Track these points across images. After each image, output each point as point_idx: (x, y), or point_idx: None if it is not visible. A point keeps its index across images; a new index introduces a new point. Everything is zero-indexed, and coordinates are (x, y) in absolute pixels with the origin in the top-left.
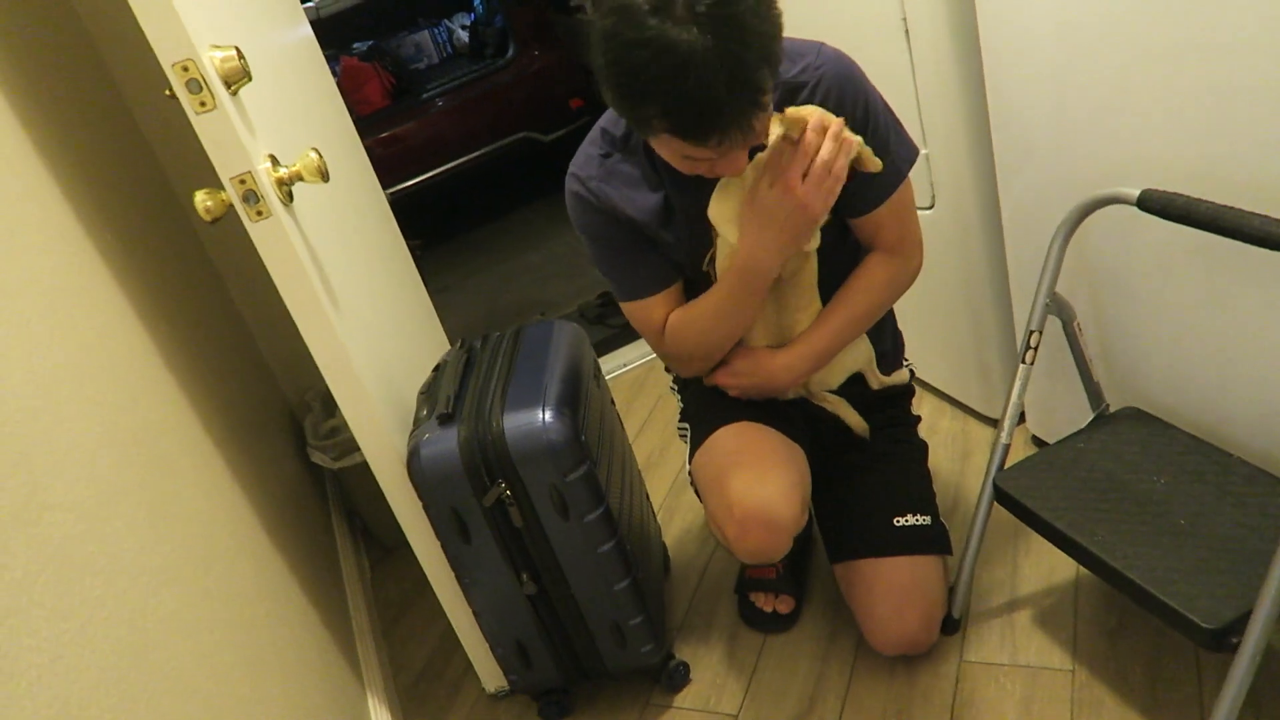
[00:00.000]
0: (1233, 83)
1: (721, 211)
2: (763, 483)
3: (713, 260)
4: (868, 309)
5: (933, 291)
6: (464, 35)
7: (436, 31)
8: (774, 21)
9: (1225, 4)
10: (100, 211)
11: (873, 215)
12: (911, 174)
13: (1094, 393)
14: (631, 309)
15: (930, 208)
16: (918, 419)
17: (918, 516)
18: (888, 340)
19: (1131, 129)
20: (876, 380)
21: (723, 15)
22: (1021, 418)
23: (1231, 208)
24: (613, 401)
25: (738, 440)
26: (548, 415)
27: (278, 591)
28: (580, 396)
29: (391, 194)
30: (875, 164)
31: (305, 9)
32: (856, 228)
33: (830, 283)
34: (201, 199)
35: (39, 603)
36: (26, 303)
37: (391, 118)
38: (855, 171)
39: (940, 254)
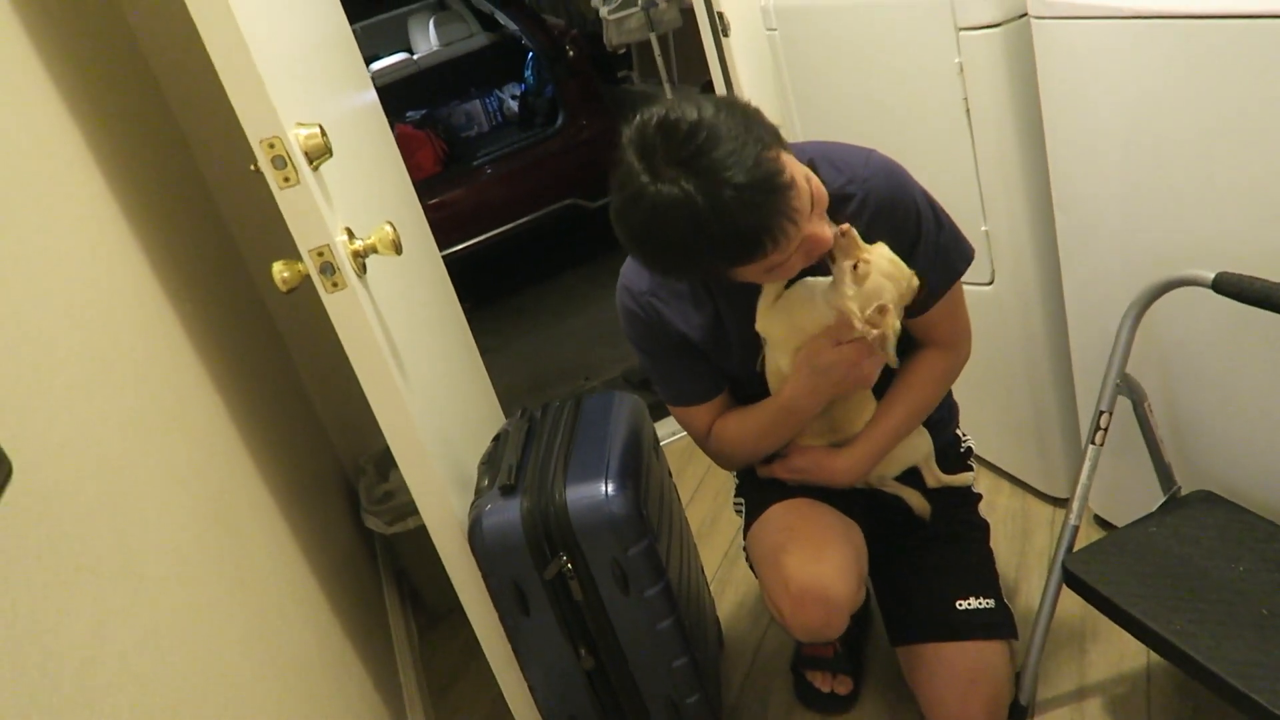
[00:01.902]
0: None
1: (768, 326)
2: (819, 559)
3: (764, 362)
4: (926, 402)
5: (991, 367)
6: (514, 105)
7: (488, 101)
8: (748, 114)
9: None
10: (184, 283)
11: (927, 316)
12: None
13: (1165, 475)
14: (678, 412)
15: (990, 284)
16: (979, 497)
17: (981, 599)
18: (942, 409)
19: (1198, 213)
20: (934, 478)
21: (696, 150)
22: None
23: None
24: (669, 473)
25: (793, 516)
26: (610, 488)
27: (338, 662)
28: (641, 469)
29: (449, 255)
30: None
31: None
32: (911, 326)
33: (882, 376)
34: (279, 269)
35: (138, 677)
36: (121, 373)
37: (443, 184)
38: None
39: (1000, 330)
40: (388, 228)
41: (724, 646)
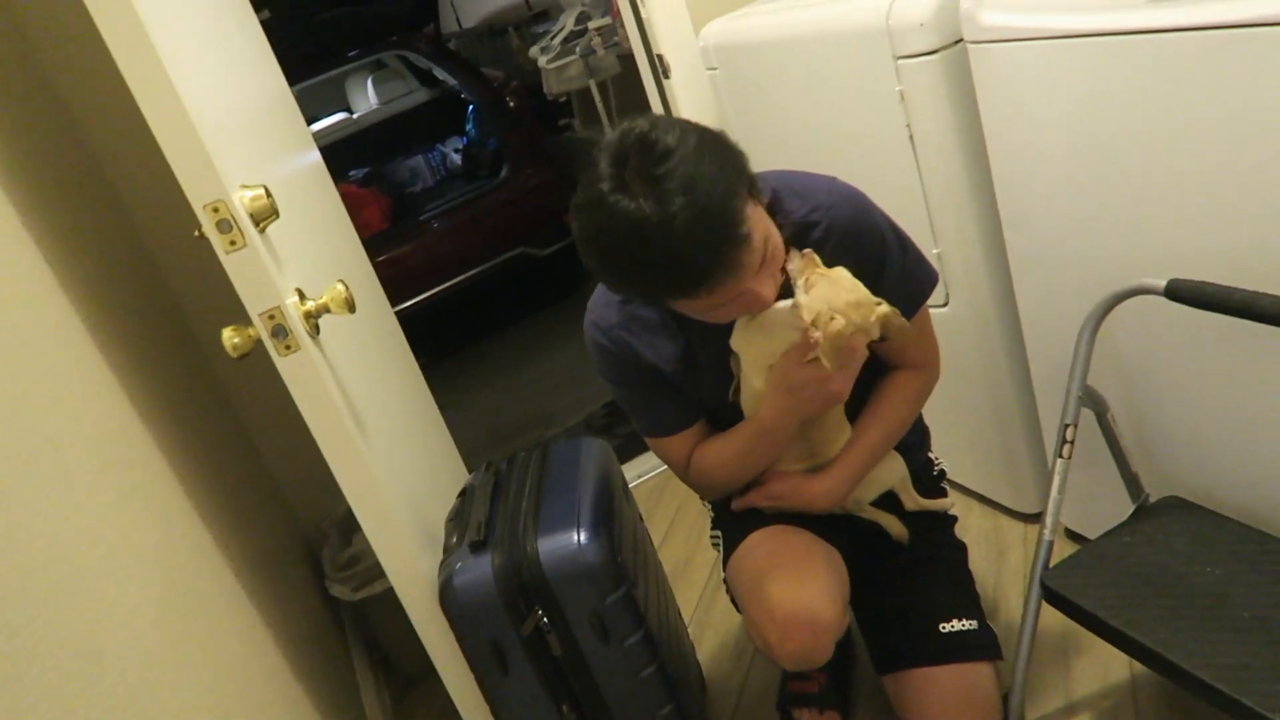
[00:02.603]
0: (1240, 170)
1: (743, 346)
2: (803, 584)
3: (738, 390)
4: (900, 424)
5: (953, 388)
6: (457, 158)
7: (430, 155)
8: (729, 158)
9: (1223, 90)
10: (130, 355)
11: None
12: None
13: (1133, 483)
14: (655, 444)
15: (945, 305)
16: (955, 519)
17: (964, 621)
18: (914, 433)
19: (1143, 223)
20: (912, 501)
21: (665, 174)
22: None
23: (1261, 293)
24: (640, 516)
25: (773, 543)
26: (583, 536)
27: None
28: (613, 515)
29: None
30: (905, 331)
31: None
32: (883, 351)
33: (855, 400)
34: (229, 336)
35: None
36: (73, 455)
37: (391, 240)
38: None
39: (959, 350)
40: (340, 286)
41: (707, 690)
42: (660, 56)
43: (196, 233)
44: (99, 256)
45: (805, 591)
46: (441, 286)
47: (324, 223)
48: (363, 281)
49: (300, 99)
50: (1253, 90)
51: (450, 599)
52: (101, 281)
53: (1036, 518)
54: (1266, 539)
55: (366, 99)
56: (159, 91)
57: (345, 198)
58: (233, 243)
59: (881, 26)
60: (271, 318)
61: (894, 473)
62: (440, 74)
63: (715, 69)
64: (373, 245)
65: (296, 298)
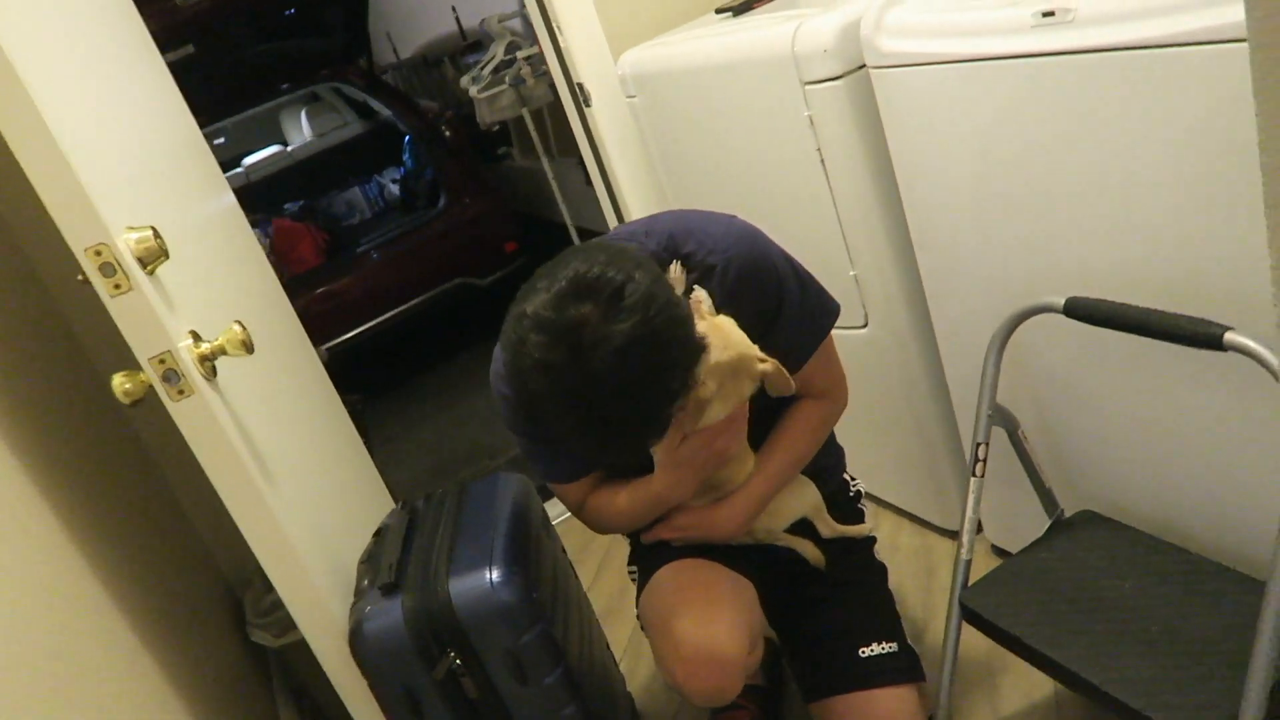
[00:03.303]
0: (1130, 188)
1: None
2: (709, 620)
3: None
4: (803, 451)
5: (879, 407)
6: (395, 189)
7: (367, 188)
8: (669, 350)
9: (1106, 110)
10: (16, 404)
11: (800, 372)
12: (842, 293)
13: (1048, 499)
14: (553, 486)
15: (864, 327)
16: (873, 540)
17: (884, 644)
18: (828, 456)
19: (1047, 241)
20: (829, 528)
21: (599, 375)
22: (980, 528)
23: (1154, 310)
24: (564, 550)
25: (681, 579)
26: (496, 575)
27: None
28: (530, 551)
29: (330, 348)
30: (786, 387)
31: (234, 175)
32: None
33: (759, 428)
34: (120, 382)
35: None
36: None
37: (327, 274)
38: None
39: (879, 371)
40: (236, 327)
41: None
42: (580, 85)
43: (80, 277)
44: None
45: (712, 628)
46: (381, 319)
47: (232, 263)
48: (279, 321)
49: (233, 133)
50: (1134, 110)
51: (360, 644)
52: None
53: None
54: (1174, 550)
55: (301, 132)
56: (34, 136)
57: (280, 232)
58: (117, 286)
59: (788, 53)
60: (162, 362)
61: (807, 500)
62: (375, 105)
63: (634, 97)
64: (309, 280)
65: (190, 340)
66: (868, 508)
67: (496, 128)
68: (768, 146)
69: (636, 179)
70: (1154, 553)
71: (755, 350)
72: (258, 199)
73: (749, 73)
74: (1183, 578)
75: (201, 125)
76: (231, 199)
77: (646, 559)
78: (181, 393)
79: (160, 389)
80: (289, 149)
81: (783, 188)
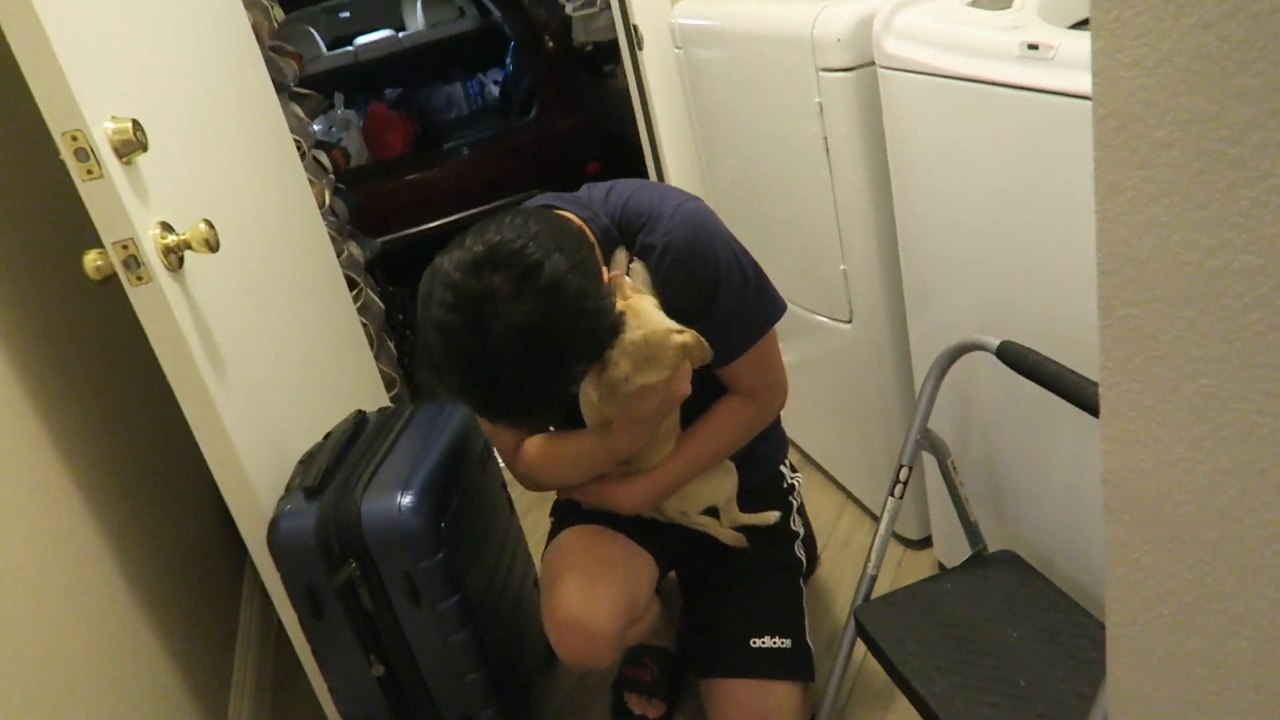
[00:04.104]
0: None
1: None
2: (589, 592)
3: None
4: (720, 447)
5: (858, 406)
6: (495, 91)
7: (469, 85)
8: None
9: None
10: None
11: (731, 367)
12: (829, 287)
13: (972, 531)
14: (484, 427)
15: (848, 323)
16: (796, 535)
17: (777, 639)
18: (767, 445)
19: (1015, 274)
20: (729, 519)
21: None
22: (930, 541)
23: (1067, 369)
24: (504, 484)
25: (578, 543)
26: (406, 500)
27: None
28: (451, 483)
29: (392, 240)
30: (704, 356)
31: (343, 53)
32: (718, 374)
33: (689, 415)
34: (92, 259)
35: None
36: None
37: (408, 165)
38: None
39: (857, 369)
40: (203, 225)
41: (557, 663)
42: (635, 27)
43: (62, 157)
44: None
45: (589, 600)
46: (451, 218)
47: (244, 165)
48: (292, 216)
49: (358, 8)
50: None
51: (274, 539)
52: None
53: (920, 543)
54: (1075, 610)
55: (416, 19)
56: (24, 23)
57: (373, 117)
58: (89, 171)
59: (807, 36)
60: (125, 248)
61: (720, 490)
62: (489, 3)
63: (680, 49)
64: (391, 168)
65: (158, 230)
66: (797, 502)
67: (590, 47)
68: (781, 125)
69: (677, 132)
70: (1054, 608)
71: (669, 324)
72: (362, 80)
73: (771, 48)
74: (1070, 638)
75: None
76: (269, 91)
77: (560, 514)
78: (140, 279)
79: (120, 273)
80: (400, 35)
81: (789, 170)
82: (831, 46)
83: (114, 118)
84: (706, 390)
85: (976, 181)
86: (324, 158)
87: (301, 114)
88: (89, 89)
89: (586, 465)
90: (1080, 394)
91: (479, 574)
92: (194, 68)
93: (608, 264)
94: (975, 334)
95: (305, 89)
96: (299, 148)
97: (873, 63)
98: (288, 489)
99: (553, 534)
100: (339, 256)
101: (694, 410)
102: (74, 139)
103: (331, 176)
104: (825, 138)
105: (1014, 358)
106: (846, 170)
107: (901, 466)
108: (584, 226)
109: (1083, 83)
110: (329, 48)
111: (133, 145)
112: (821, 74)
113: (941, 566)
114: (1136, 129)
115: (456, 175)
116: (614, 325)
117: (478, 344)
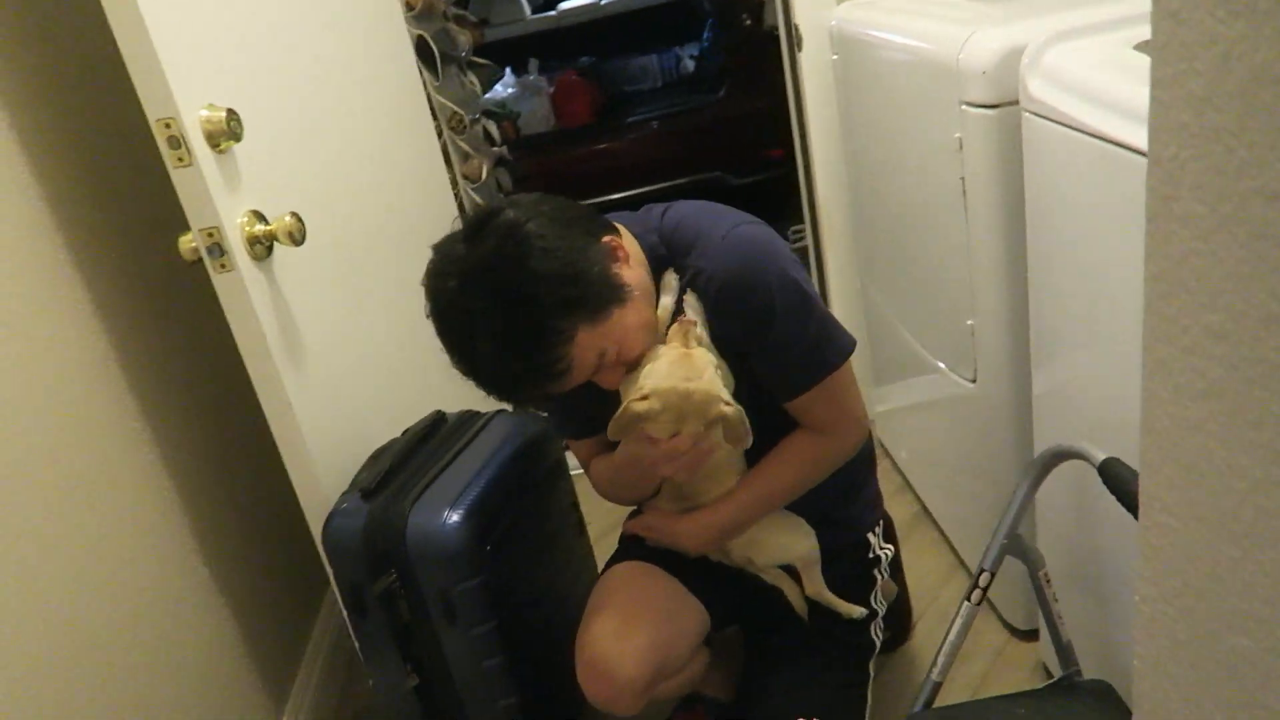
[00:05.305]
0: None
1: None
2: (620, 634)
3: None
4: (786, 485)
5: (971, 466)
6: (690, 66)
7: (664, 57)
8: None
9: None
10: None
11: (799, 400)
12: (955, 342)
13: (1064, 652)
14: (565, 440)
15: (973, 382)
16: (875, 613)
17: None
18: (854, 508)
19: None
20: (812, 587)
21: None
22: (1037, 635)
23: None
24: (575, 504)
25: (623, 580)
26: (453, 518)
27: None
28: (505, 504)
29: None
30: (742, 439)
31: (545, 16)
32: (787, 407)
33: (757, 447)
34: (187, 239)
35: None
36: None
37: (589, 135)
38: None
39: (979, 435)
40: (288, 218)
41: None
42: (796, 26)
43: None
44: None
45: (617, 643)
46: (625, 194)
47: (356, 158)
48: (412, 205)
49: None
50: None
51: (327, 535)
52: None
53: (1027, 634)
54: None
55: None
56: (125, 13)
57: (561, 84)
58: (180, 159)
59: (953, 63)
60: (210, 235)
61: (793, 547)
62: None
63: (836, 56)
64: (572, 136)
65: (247, 219)
66: (882, 577)
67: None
68: (920, 156)
69: (829, 139)
70: None
71: (721, 393)
72: (561, 45)
73: (917, 70)
74: None
75: None
76: (410, 67)
77: (621, 543)
78: (224, 266)
79: (205, 260)
80: (603, 2)
81: (925, 205)
82: (976, 78)
83: (210, 105)
84: (776, 423)
85: (1118, 259)
86: (493, 128)
87: (475, 83)
88: (184, 78)
89: (621, 480)
90: None
91: (525, 598)
92: (309, 60)
93: (656, 283)
94: (1082, 442)
95: (482, 59)
96: (460, 120)
97: (1014, 103)
98: (352, 484)
99: (609, 562)
100: None
101: (763, 443)
102: (166, 126)
103: (499, 148)
104: (963, 178)
105: (1117, 481)
106: (983, 217)
107: (983, 572)
108: (629, 237)
109: None
110: (534, 11)
111: (224, 135)
112: (964, 107)
113: (1045, 669)
114: (1186, 303)
115: (637, 149)
116: (603, 280)
117: (445, 299)
